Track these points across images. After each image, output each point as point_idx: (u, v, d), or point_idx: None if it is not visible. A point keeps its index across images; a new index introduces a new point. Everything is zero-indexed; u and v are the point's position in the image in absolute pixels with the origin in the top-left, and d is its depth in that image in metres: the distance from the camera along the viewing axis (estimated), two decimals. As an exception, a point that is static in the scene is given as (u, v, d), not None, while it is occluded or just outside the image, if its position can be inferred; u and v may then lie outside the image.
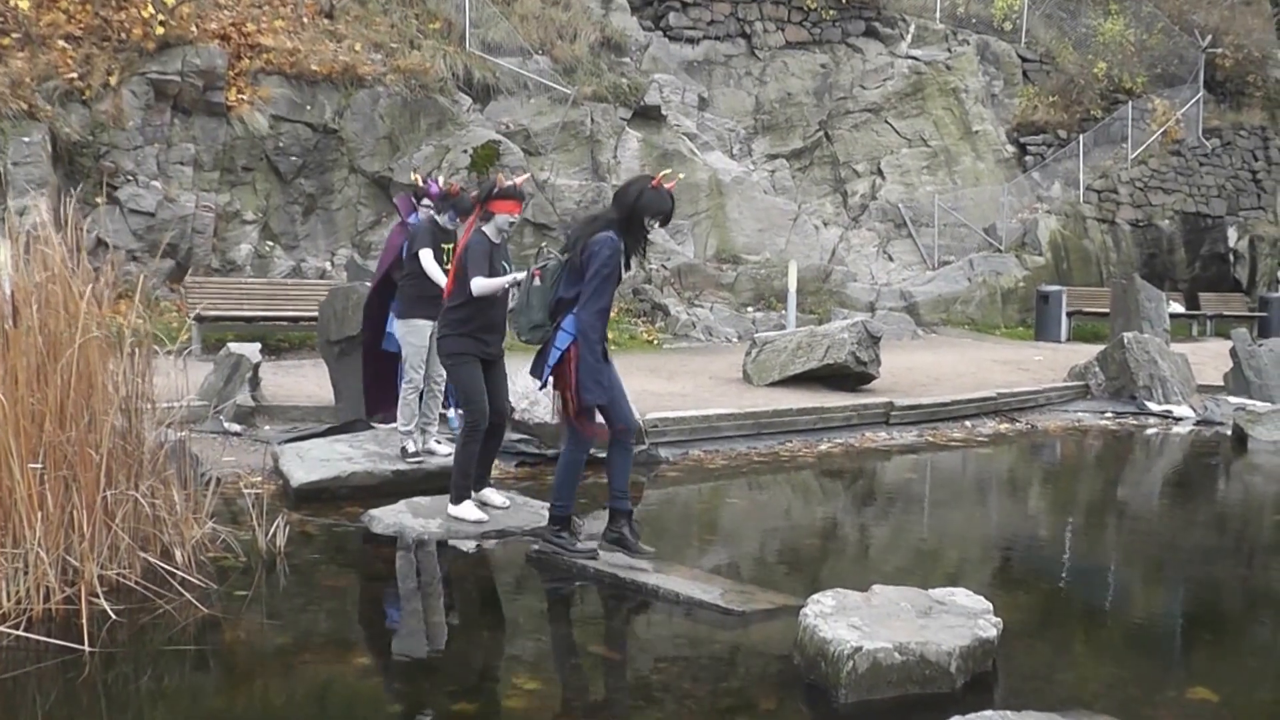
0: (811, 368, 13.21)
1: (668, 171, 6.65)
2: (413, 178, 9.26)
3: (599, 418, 6.35)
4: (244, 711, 4.51)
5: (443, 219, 8.34)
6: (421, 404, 8.56)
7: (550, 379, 6.30)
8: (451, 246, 8.35)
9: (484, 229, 7.10)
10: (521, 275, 6.75)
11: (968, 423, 12.85)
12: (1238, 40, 27.52)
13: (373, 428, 9.18)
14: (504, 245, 7.61)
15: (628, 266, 6.38)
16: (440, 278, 8.01)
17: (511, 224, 7.19)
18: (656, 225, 6.33)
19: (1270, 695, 5.03)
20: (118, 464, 5.69)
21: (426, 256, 8.18)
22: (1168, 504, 9.77)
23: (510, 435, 9.68)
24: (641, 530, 6.58)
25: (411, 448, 8.38)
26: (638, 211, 6.16)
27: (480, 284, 6.94)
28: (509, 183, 7.18)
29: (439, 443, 8.69)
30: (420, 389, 8.46)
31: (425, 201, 8.71)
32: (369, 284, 10.42)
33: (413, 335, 8.37)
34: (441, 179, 9.86)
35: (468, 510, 7.15)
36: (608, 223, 6.20)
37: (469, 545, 6.99)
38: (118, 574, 5.51)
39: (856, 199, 24.01)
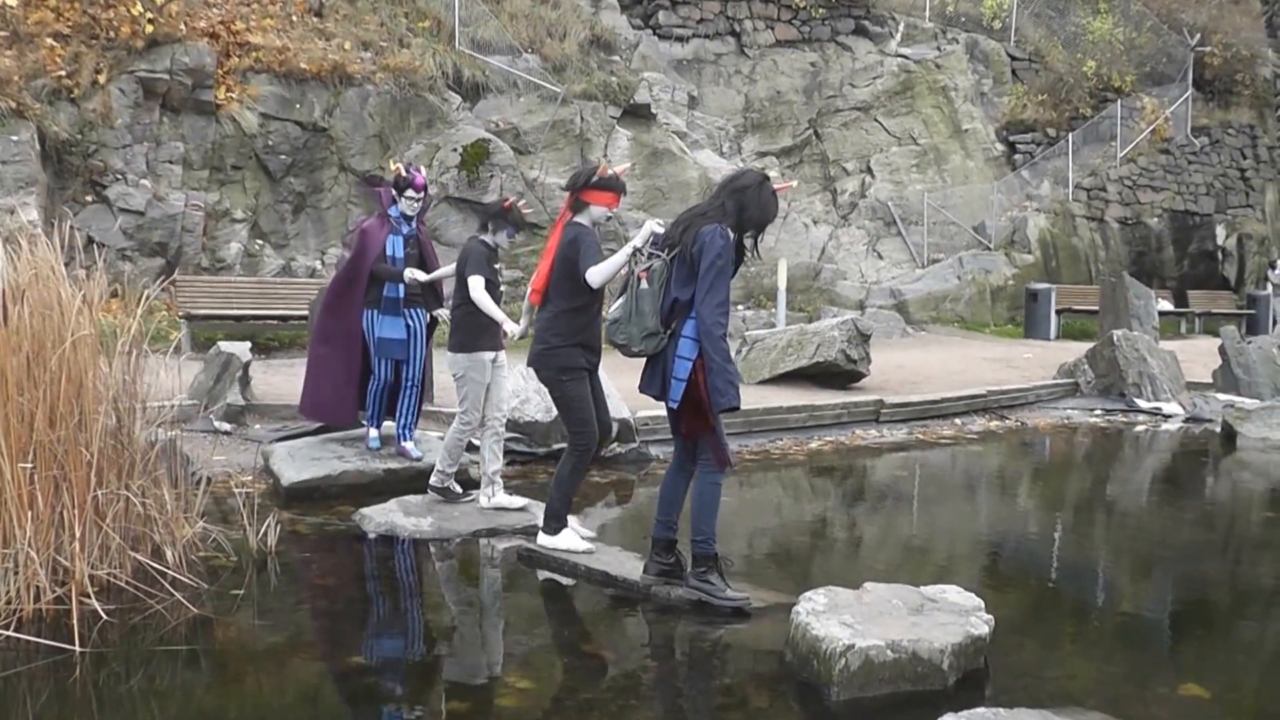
0: (802, 366, 13.22)
1: (792, 183, 6.34)
2: (393, 167, 8.52)
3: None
4: (236, 712, 4.50)
5: (500, 237, 7.49)
6: (485, 447, 7.61)
7: (681, 397, 5.64)
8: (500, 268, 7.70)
9: (578, 220, 6.40)
10: (639, 241, 5.96)
11: (957, 420, 12.87)
12: (1226, 39, 27.60)
13: (363, 426, 9.14)
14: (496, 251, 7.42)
15: (738, 262, 5.73)
16: (494, 310, 7.14)
17: (607, 218, 6.55)
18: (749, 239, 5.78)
19: (1260, 691, 5.05)
20: (108, 463, 5.68)
21: (477, 285, 7.21)
22: (1157, 501, 9.79)
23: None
24: (631, 529, 6.58)
25: (457, 488, 7.58)
26: (749, 210, 5.62)
27: (597, 272, 6.12)
28: (610, 172, 6.46)
29: (510, 494, 7.63)
30: (474, 430, 7.55)
31: (410, 193, 8.16)
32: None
33: (476, 371, 7.42)
34: (424, 170, 9.37)
35: (569, 539, 6.44)
36: (719, 217, 5.58)
37: (461, 544, 6.98)
38: (108, 574, 5.50)
39: (846, 197, 24.03)
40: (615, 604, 5.98)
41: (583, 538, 6.51)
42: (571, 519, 6.65)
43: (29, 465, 5.32)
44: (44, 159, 14.92)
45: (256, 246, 16.71)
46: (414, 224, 8.36)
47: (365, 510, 7.32)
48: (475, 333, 7.34)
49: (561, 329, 6.33)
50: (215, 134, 16.57)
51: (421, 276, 8.08)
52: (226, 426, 9.73)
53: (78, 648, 4.85)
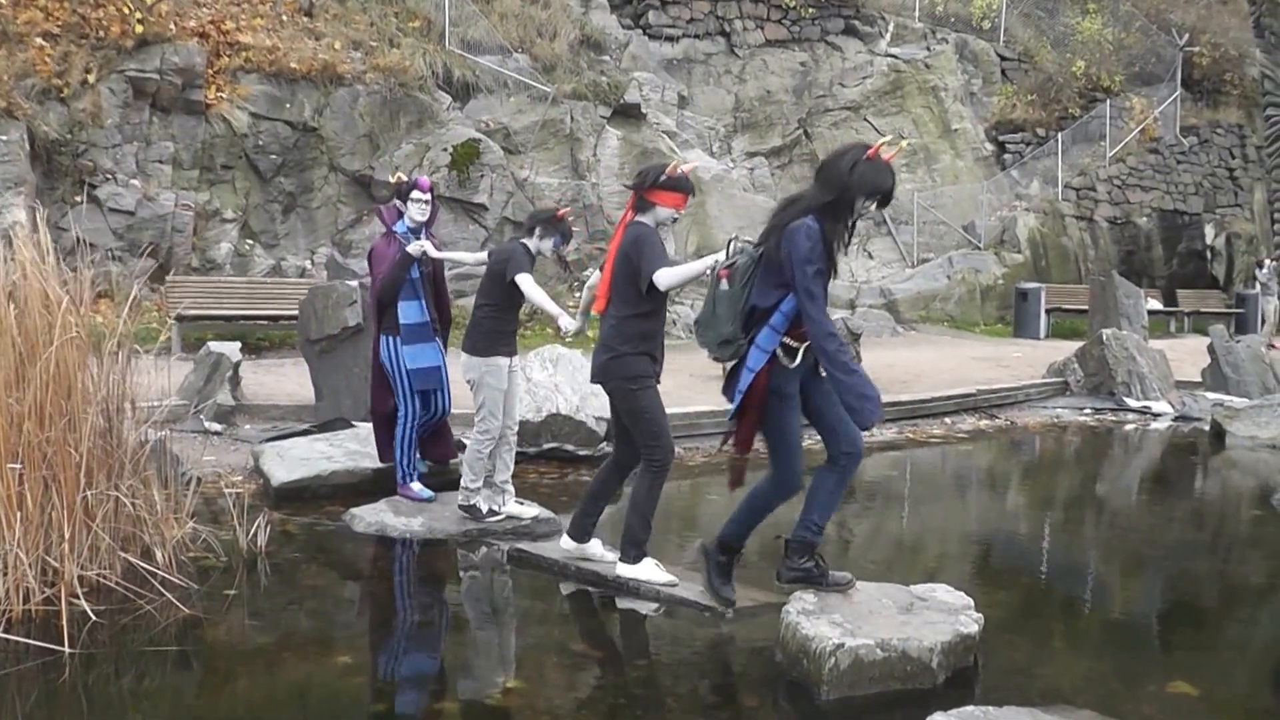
0: (792, 365, 13.21)
1: (889, 138, 5.56)
2: (395, 177, 7.95)
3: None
4: (225, 712, 4.50)
5: (545, 245, 7.06)
6: (496, 455, 7.23)
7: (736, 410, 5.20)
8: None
9: (642, 219, 5.94)
10: (721, 256, 5.39)
11: (947, 419, 12.89)
12: (1215, 39, 27.67)
13: (353, 426, 9.13)
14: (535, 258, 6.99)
15: (832, 260, 5.07)
16: (552, 306, 6.66)
17: (674, 220, 6.04)
18: (872, 207, 5.15)
19: (1248, 689, 5.07)
20: (98, 464, 5.67)
21: (527, 281, 6.76)
22: (1146, 500, 9.82)
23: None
24: (621, 528, 6.57)
25: (484, 506, 7.14)
26: (851, 190, 4.97)
27: (669, 275, 5.65)
28: (680, 171, 5.97)
29: (521, 503, 7.37)
30: (495, 439, 7.11)
31: (416, 194, 7.48)
32: (349, 282, 10.37)
33: (493, 375, 7.02)
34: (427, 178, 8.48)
35: (648, 570, 5.99)
36: (807, 207, 5.02)
37: (450, 545, 6.98)
38: (98, 574, 5.50)
39: (836, 197, 24.02)
40: (605, 604, 5.98)
41: (662, 581, 5.97)
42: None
43: (18, 466, 5.31)
44: (33, 159, 14.89)
45: (247, 246, 16.69)
46: (423, 235, 7.61)
47: (355, 510, 7.31)
48: (494, 337, 7.02)
49: (628, 335, 5.87)
50: (205, 134, 16.54)
51: (432, 251, 7.49)
52: (216, 427, 9.72)
53: (67, 648, 4.84)
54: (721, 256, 5.33)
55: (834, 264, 5.07)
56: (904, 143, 5.42)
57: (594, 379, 6.09)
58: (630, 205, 6.00)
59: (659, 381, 6.01)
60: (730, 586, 5.60)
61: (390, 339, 7.52)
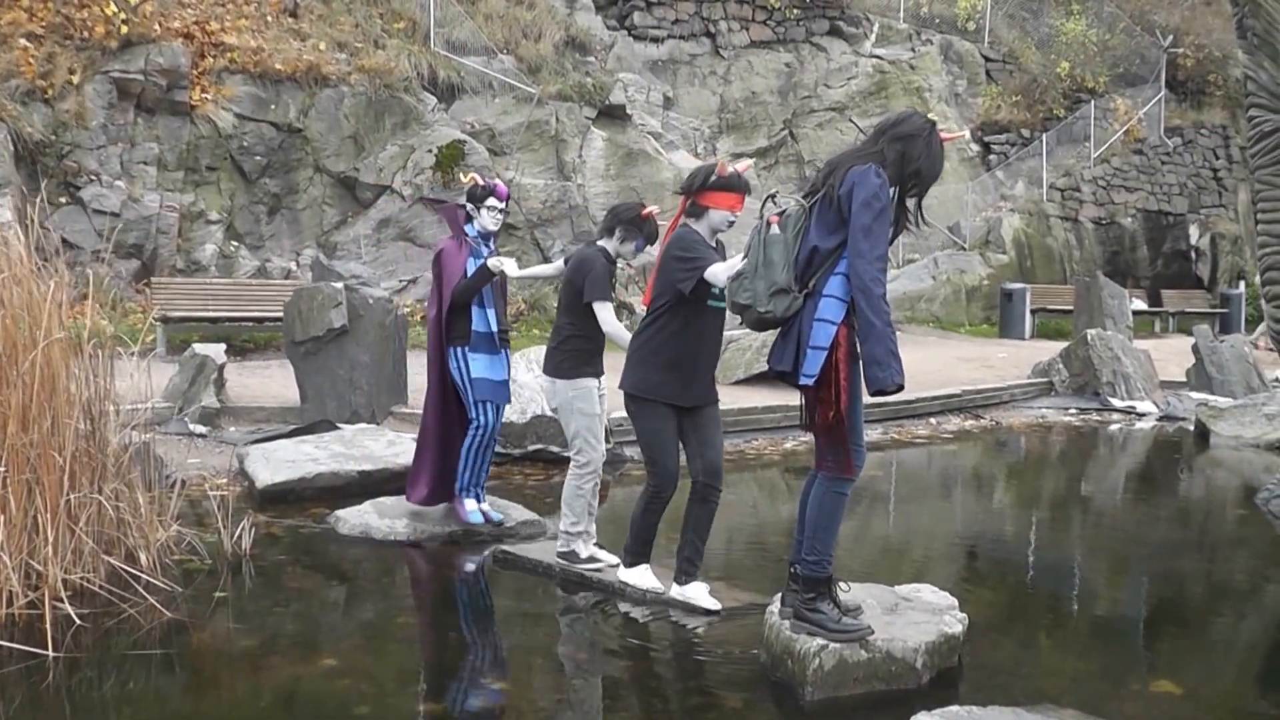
0: (778, 366, 13.21)
1: (962, 134, 5.07)
2: (465, 178, 7.29)
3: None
4: (210, 715, 4.48)
5: (626, 249, 6.25)
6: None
7: (816, 375, 4.52)
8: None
9: (694, 225, 5.56)
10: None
11: (933, 420, 12.91)
12: (1198, 40, 27.79)
13: (338, 428, 9.12)
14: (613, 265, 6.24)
15: (897, 227, 4.65)
16: (625, 337, 5.95)
17: (730, 224, 5.57)
18: (910, 200, 4.69)
19: (1232, 687, 5.09)
20: (81, 467, 5.65)
21: (605, 312, 6.06)
22: (1131, 499, 9.84)
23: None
24: (607, 529, 6.57)
25: (583, 552, 6.32)
26: (915, 161, 4.55)
27: (723, 269, 5.15)
28: (731, 169, 5.52)
29: (600, 546, 6.44)
30: (597, 470, 6.30)
31: (491, 202, 6.96)
32: (334, 284, 10.35)
33: (582, 400, 6.18)
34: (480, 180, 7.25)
35: (642, 577, 5.88)
36: (879, 161, 4.51)
37: (436, 547, 6.97)
38: (81, 578, 5.48)
39: (822, 197, 24.04)
40: (591, 606, 5.98)
41: (646, 587, 5.86)
42: (698, 586, 5.77)
43: (0, 469, 5.29)
44: (18, 160, 14.85)
45: (231, 248, 16.66)
46: (492, 243, 7.16)
47: (340, 512, 7.29)
48: (579, 357, 6.20)
49: (637, 348, 5.59)
50: (190, 135, 16.52)
51: (511, 270, 6.83)
52: (201, 429, 9.70)
53: (51, 652, 4.82)
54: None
55: (896, 224, 4.63)
56: (964, 134, 4.80)
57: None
58: (680, 212, 5.60)
59: (685, 403, 5.65)
60: (849, 614, 4.82)
61: (460, 349, 6.97)
